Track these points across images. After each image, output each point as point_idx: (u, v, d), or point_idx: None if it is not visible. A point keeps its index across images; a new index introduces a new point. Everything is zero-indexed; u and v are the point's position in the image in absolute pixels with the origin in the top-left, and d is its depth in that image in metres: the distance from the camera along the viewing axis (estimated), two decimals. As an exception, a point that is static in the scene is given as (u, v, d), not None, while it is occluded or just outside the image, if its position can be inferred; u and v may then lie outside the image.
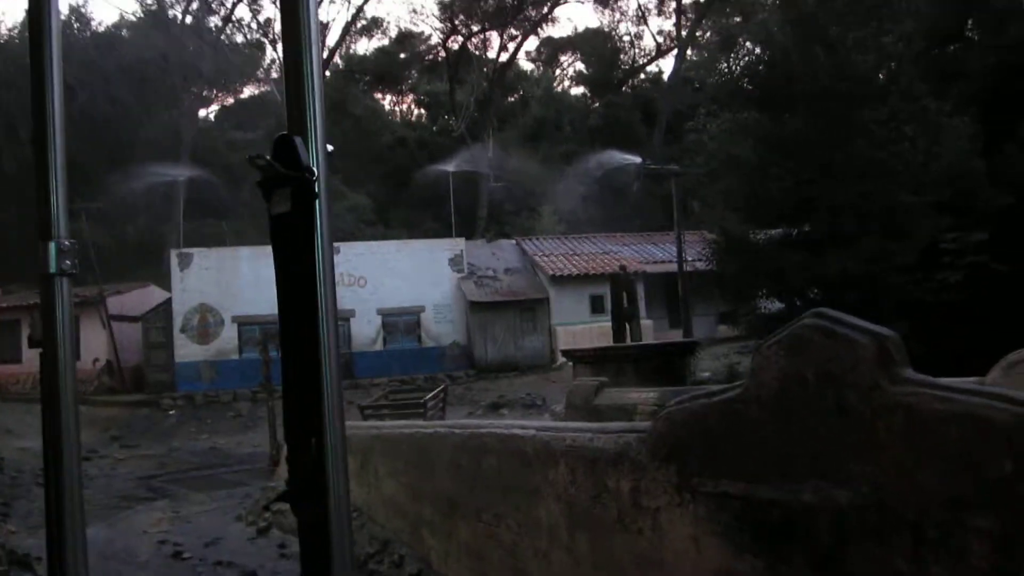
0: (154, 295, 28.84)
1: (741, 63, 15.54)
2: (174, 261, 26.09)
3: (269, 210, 1.12)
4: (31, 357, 25.58)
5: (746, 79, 14.95)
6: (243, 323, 25.73)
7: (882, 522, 3.27)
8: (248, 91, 46.18)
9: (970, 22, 15.51)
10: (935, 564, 3.09)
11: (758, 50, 15.09)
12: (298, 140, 1.10)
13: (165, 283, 27.66)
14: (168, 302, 26.36)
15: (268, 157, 1.10)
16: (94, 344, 25.63)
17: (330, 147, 1.15)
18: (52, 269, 1.47)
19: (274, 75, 43.38)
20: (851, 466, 3.38)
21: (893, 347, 3.34)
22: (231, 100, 46.43)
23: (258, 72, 44.84)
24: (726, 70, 16.05)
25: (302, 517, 1.11)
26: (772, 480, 3.70)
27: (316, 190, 1.10)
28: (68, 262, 1.49)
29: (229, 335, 25.97)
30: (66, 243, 1.49)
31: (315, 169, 1.10)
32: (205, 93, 43.28)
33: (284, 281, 1.12)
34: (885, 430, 3.26)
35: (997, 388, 3.63)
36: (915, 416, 3.17)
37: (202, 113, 44.57)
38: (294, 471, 1.11)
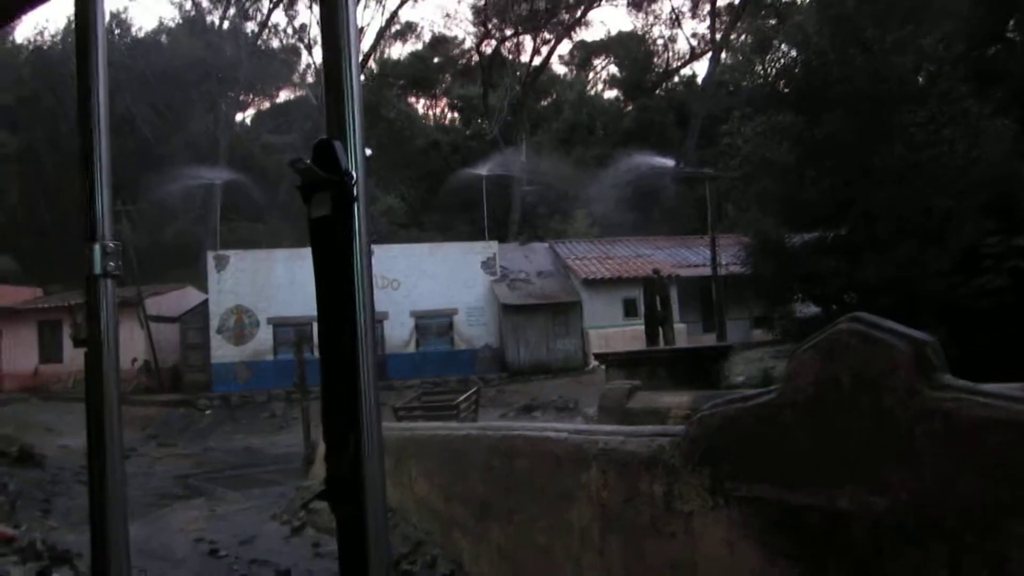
0: (191, 296, 29.31)
1: (776, 65, 15.41)
2: (211, 263, 26.47)
3: (309, 213, 1.13)
4: (73, 356, 26.15)
5: (782, 81, 14.83)
6: (278, 324, 26.04)
7: (920, 529, 3.22)
8: (284, 95, 46.78)
9: (1011, 23, 15.23)
10: (974, 572, 3.04)
11: (794, 52, 14.94)
12: (337, 144, 1.12)
13: (202, 285, 28.10)
14: (205, 303, 26.77)
15: (308, 161, 1.12)
16: (132, 344, 26.10)
17: (368, 151, 1.16)
18: (97, 270, 1.50)
19: (309, 80, 43.89)
20: (888, 472, 3.34)
21: (932, 352, 3.30)
22: (267, 104, 47.03)
23: (293, 77, 45.41)
24: (761, 72, 15.92)
25: (340, 515, 1.13)
26: (807, 486, 3.67)
27: (355, 194, 1.11)
28: (112, 263, 1.52)
29: (264, 336, 26.29)
30: (110, 245, 1.52)
31: (354, 173, 1.12)
32: (242, 98, 43.90)
33: (323, 283, 1.13)
34: (923, 436, 3.21)
35: (1039, 394, 3.57)
36: (954, 422, 3.12)
37: (238, 117, 45.22)
38: (332, 469, 1.13)
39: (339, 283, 1.12)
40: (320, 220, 1.12)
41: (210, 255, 26.95)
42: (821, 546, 3.63)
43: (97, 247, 1.50)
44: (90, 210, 1.52)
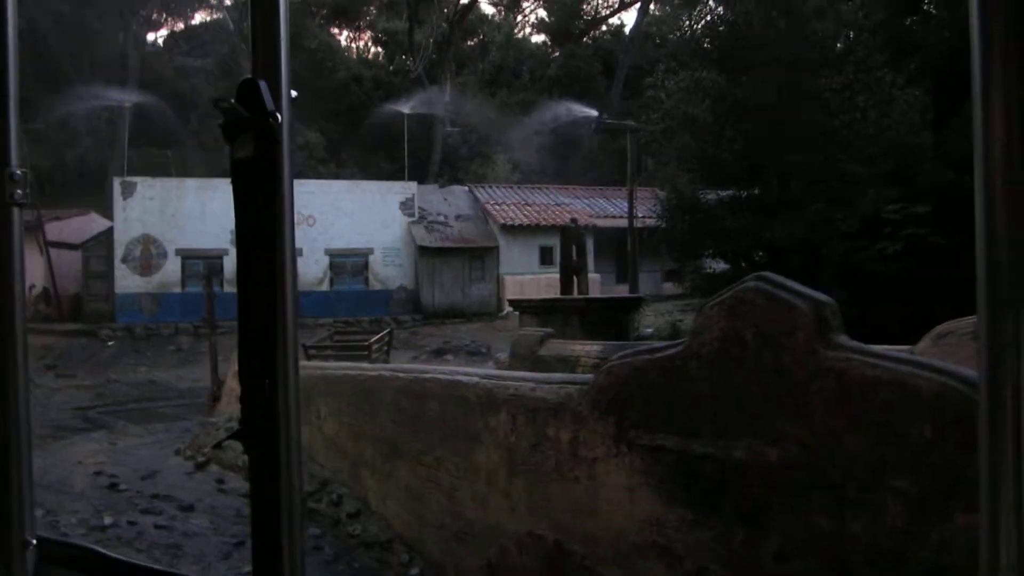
0: (95, 223, 28.08)
1: (703, 22, 15.54)
2: (117, 189, 25.37)
3: (231, 154, 1.11)
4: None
5: (707, 39, 14.97)
6: (187, 256, 25.27)
7: (808, 480, 3.41)
8: (200, 17, 44.62)
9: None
10: (854, 521, 3.24)
11: (720, 10, 15.09)
12: (263, 84, 1.09)
13: (107, 212, 26.94)
14: (110, 231, 25.72)
15: (232, 100, 1.09)
16: (31, 271, 24.90)
17: (294, 93, 1.14)
18: (3, 198, 1.42)
19: (227, 1, 41.95)
20: (783, 426, 3.50)
21: (830, 313, 3.45)
22: (181, 25, 44.82)
23: (210, -2, 43.30)
24: (688, 27, 16.03)
25: (253, 457, 1.13)
26: (707, 436, 3.82)
27: (279, 136, 1.09)
28: (20, 191, 1.43)
29: (172, 268, 25.50)
30: (18, 172, 1.43)
31: (279, 115, 1.09)
32: (154, 16, 41.69)
33: (243, 226, 1.11)
34: (817, 393, 3.38)
35: (924, 358, 3.78)
36: (846, 381, 3.29)
37: (150, 37, 43.00)
38: (247, 412, 1.12)
39: (260, 227, 1.10)
40: (242, 161, 1.10)
41: (116, 181, 25.79)
42: (715, 494, 3.80)
43: (5, 173, 1.42)
44: None
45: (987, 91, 0.83)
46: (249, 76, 1.10)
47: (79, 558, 1.50)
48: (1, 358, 1.43)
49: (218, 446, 9.73)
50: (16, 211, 1.44)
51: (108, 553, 1.50)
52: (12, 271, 1.44)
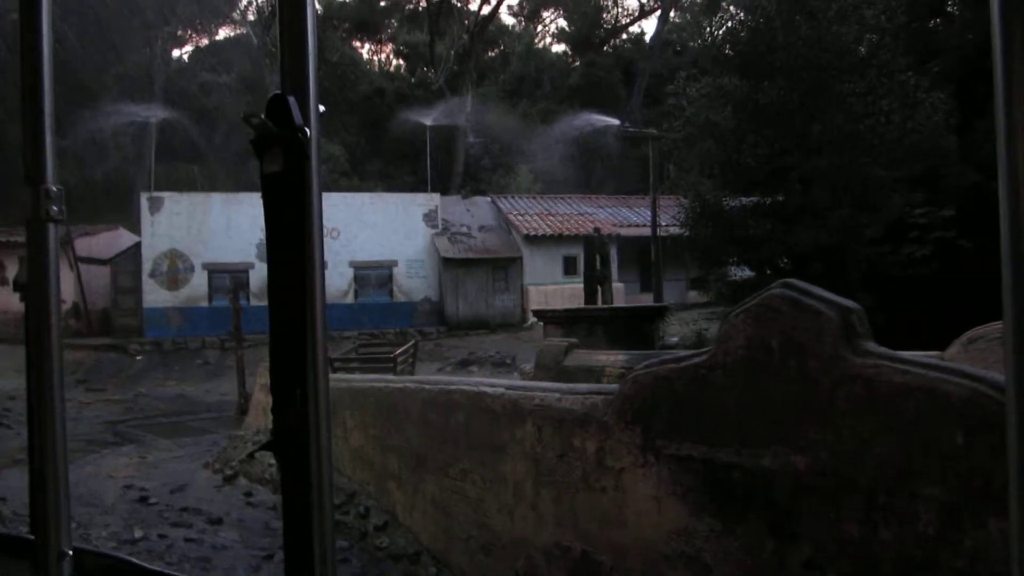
0: (123, 238, 28.48)
1: (724, 28, 15.49)
2: (144, 204, 25.72)
3: (261, 169, 1.13)
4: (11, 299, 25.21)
5: (728, 45, 14.92)
6: (213, 270, 25.54)
7: (837, 488, 3.37)
8: (224, 33, 45.20)
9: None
10: (884, 529, 3.20)
11: (741, 15, 15.03)
12: (291, 100, 1.11)
13: (135, 227, 27.30)
14: (137, 246, 26.06)
15: (262, 115, 1.12)
16: (61, 286, 25.28)
17: (322, 107, 1.16)
18: (39, 214, 1.45)
19: (250, 17, 42.45)
20: (811, 433, 3.47)
21: (857, 319, 3.43)
22: (205, 41, 45.42)
23: (234, 14, 43.85)
24: (708, 34, 15.99)
25: (285, 467, 1.15)
26: (734, 444, 3.80)
27: (308, 151, 1.12)
28: (55, 208, 1.47)
29: (199, 282, 25.77)
30: (54, 188, 1.47)
31: (308, 130, 1.12)
32: (179, 33, 42.28)
33: (274, 239, 1.14)
34: (845, 399, 3.35)
35: (954, 363, 3.74)
36: (874, 387, 3.26)
37: (175, 54, 43.61)
38: (278, 422, 1.14)
39: (290, 240, 1.12)
40: (272, 175, 1.13)
41: (143, 196, 26.15)
42: (743, 502, 3.77)
43: (40, 190, 1.45)
44: (33, 151, 1.47)
45: (1010, 93, 0.83)
46: (278, 92, 1.13)
47: (115, 569, 1.52)
48: (38, 373, 1.46)
49: (251, 456, 9.82)
50: (52, 227, 1.48)
51: (143, 564, 1.52)
52: (49, 286, 1.48)
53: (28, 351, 1.47)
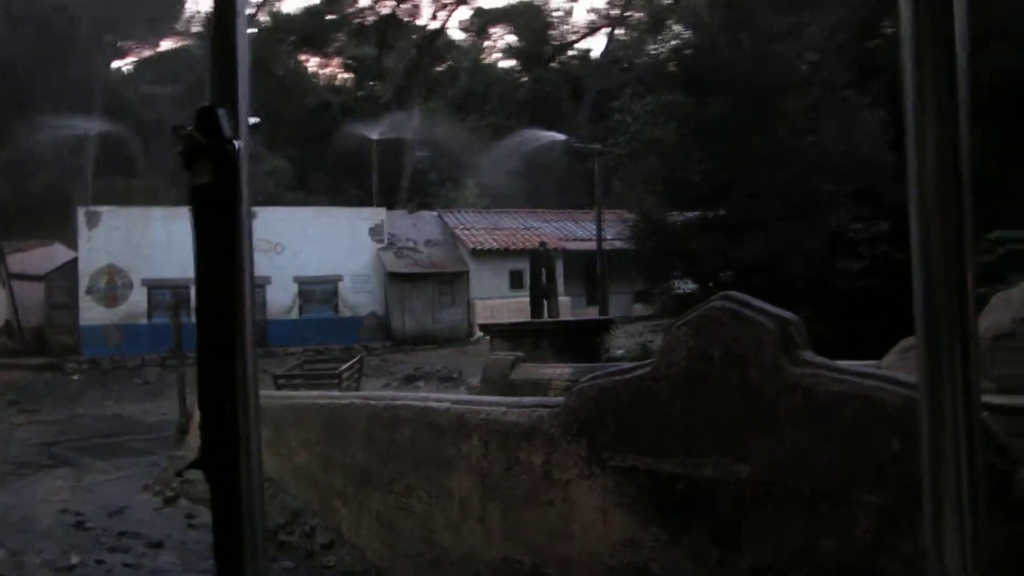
0: (59, 254, 27.67)
1: (669, 45, 15.76)
2: (81, 219, 25.05)
3: (191, 181, 1.12)
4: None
5: (673, 62, 15.18)
6: (153, 287, 24.97)
7: (779, 496, 3.42)
8: (166, 44, 44.39)
9: (886, 19, 16.04)
10: (825, 536, 3.25)
11: (686, 33, 15.31)
12: (221, 112, 1.11)
13: (71, 242, 26.56)
14: (74, 262, 25.34)
15: (190, 128, 1.10)
16: (-7, 303, 24.54)
17: (254, 119, 1.16)
18: None
19: (194, 29, 41.83)
20: (752, 443, 3.52)
21: (795, 330, 3.49)
22: (148, 53, 44.55)
23: (177, 25, 43.14)
24: (654, 51, 16.25)
25: (215, 484, 1.13)
26: (678, 455, 3.83)
27: (237, 163, 1.11)
28: None
29: (138, 298, 25.17)
30: None
31: (237, 142, 1.11)
32: (120, 44, 41.42)
33: (202, 251, 1.13)
34: (785, 409, 3.40)
35: (889, 372, 3.83)
36: (813, 396, 3.32)
37: (117, 65, 42.69)
38: (207, 438, 1.13)
39: (219, 252, 1.12)
40: (201, 187, 1.11)
41: (81, 211, 25.46)
42: (688, 512, 3.81)
43: None
44: None
45: (920, 105, 0.86)
46: (207, 103, 1.12)
47: None
48: None
49: (179, 475, 9.59)
50: None
51: None
52: None
53: None
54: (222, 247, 1.11)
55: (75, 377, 22.96)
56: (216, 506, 1.13)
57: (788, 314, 3.58)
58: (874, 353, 6.03)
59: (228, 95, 1.13)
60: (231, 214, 1.11)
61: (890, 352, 5.70)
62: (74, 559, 7.17)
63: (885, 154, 12.87)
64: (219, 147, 1.09)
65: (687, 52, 14.76)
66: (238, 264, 1.11)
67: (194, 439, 12.02)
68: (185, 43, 42.53)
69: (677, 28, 16.33)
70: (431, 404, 5.81)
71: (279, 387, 13.86)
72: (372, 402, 6.75)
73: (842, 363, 3.53)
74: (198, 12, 41.35)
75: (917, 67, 0.85)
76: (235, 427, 1.10)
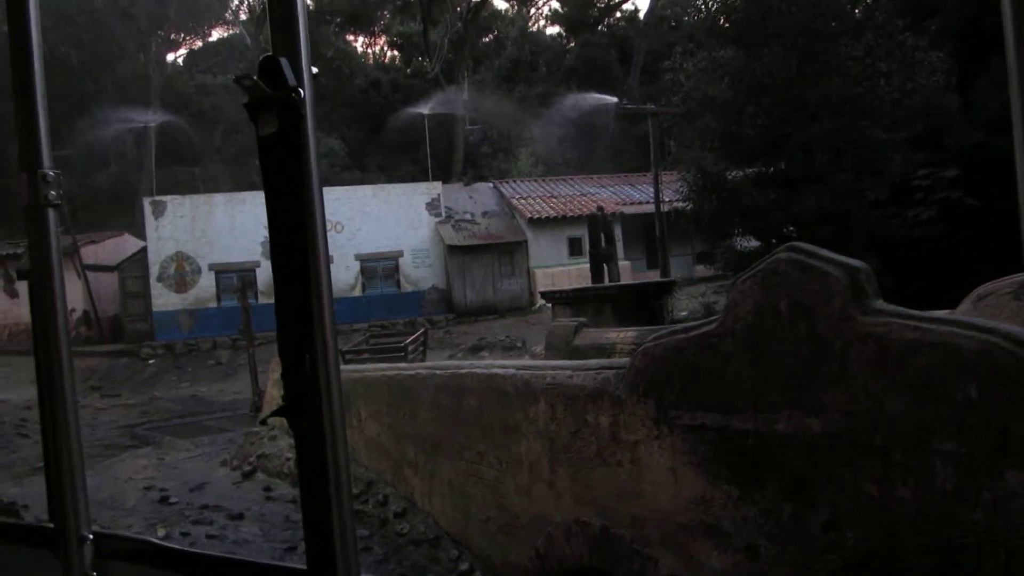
0: (129, 244, 28.54)
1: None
2: (147, 209, 25.76)
3: (256, 131, 1.13)
4: (6, 309, 25.38)
5: (722, 16, 14.81)
6: (220, 271, 25.60)
7: (852, 448, 3.37)
8: (217, 34, 45.08)
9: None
10: (902, 487, 3.20)
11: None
12: (283, 61, 1.11)
13: (139, 232, 27.36)
14: (143, 251, 26.12)
15: (255, 77, 1.11)
16: (70, 295, 25.07)
17: (314, 69, 1.15)
18: (37, 200, 1.44)
19: (243, 17, 42.36)
20: (823, 395, 3.47)
21: (864, 278, 3.41)
22: (199, 43, 45.32)
23: (226, 14, 43.74)
24: (702, 7, 15.87)
25: (298, 431, 1.14)
26: (747, 411, 3.80)
27: (303, 111, 1.11)
28: (54, 193, 1.46)
29: (206, 283, 25.83)
30: (51, 173, 1.46)
31: (301, 90, 1.11)
32: (173, 37, 42.20)
33: (273, 200, 1.13)
34: (856, 360, 3.34)
35: (964, 317, 3.72)
36: (885, 345, 3.25)
37: (170, 57, 43.53)
38: (289, 386, 1.14)
39: (289, 199, 1.12)
40: (268, 137, 1.12)
41: (146, 201, 26.19)
42: (760, 469, 3.77)
43: (37, 175, 1.44)
44: (28, 138, 1.46)
45: (1021, 45, 0.81)
46: (269, 53, 1.12)
47: (135, 550, 1.53)
48: (46, 359, 1.46)
49: (263, 423, 9.85)
50: (51, 212, 1.47)
51: (165, 543, 1.53)
52: (52, 271, 1.47)
53: (35, 336, 1.47)
54: (292, 194, 1.11)
55: (151, 362, 23.76)
56: (300, 453, 1.15)
57: (856, 262, 3.49)
58: (946, 303, 5.86)
59: (288, 45, 1.13)
60: (298, 162, 1.11)
61: (964, 301, 5.52)
62: (160, 532, 7.47)
63: (948, 97, 12.41)
64: (283, 96, 1.10)
65: (736, 5, 14.38)
66: (308, 211, 1.11)
67: (266, 412, 12.35)
68: (234, 31, 43.12)
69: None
70: (496, 371, 5.86)
71: (347, 362, 14.12)
72: (438, 372, 6.83)
73: (914, 311, 3.44)
74: (244, 1, 41.86)
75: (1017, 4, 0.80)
76: (316, 375, 1.10)
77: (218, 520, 8.04)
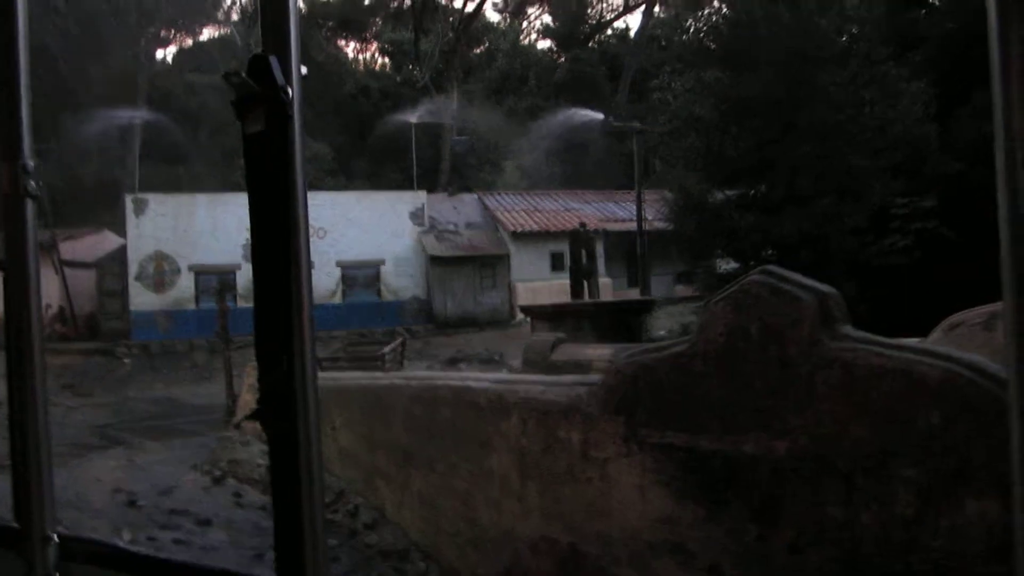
0: (108, 241, 28.28)
1: (707, 21, 15.53)
2: (129, 206, 25.53)
3: (243, 129, 1.12)
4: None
5: (711, 38, 14.96)
6: (200, 272, 25.41)
7: (817, 471, 3.41)
8: (207, 33, 44.94)
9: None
10: (865, 511, 3.23)
11: (724, 8, 15.08)
12: (273, 59, 1.10)
13: (120, 229, 27.12)
14: (123, 249, 25.88)
15: (243, 74, 1.10)
16: (47, 290, 25.10)
17: (304, 69, 1.14)
18: (17, 190, 1.42)
19: (234, 17, 42.26)
20: (790, 418, 3.51)
21: (834, 304, 3.46)
22: (189, 42, 45.17)
23: (217, 14, 43.63)
24: (692, 28, 16.03)
25: (272, 432, 1.13)
26: (715, 431, 3.83)
27: (290, 111, 1.10)
28: (33, 183, 1.44)
29: (186, 284, 25.63)
30: (30, 163, 1.44)
31: (290, 89, 1.10)
32: (163, 34, 42.03)
33: (257, 199, 1.12)
34: (823, 383, 3.38)
35: (930, 346, 3.78)
36: (852, 370, 3.29)
37: (159, 54, 43.34)
38: (265, 387, 1.12)
39: (274, 199, 1.10)
40: (254, 135, 1.11)
41: (128, 198, 25.94)
42: (726, 489, 3.80)
43: (17, 165, 1.42)
44: (9, 128, 1.45)
45: (1007, 75, 0.81)
46: (259, 52, 1.11)
47: (100, 553, 1.51)
48: (17, 352, 1.44)
49: (237, 426, 9.76)
50: (29, 203, 1.45)
51: (129, 548, 1.51)
52: (28, 262, 1.46)
53: (7, 330, 1.44)
54: (277, 193, 1.10)
55: (126, 361, 23.51)
56: (273, 455, 1.14)
57: (827, 288, 3.54)
58: (919, 331, 5.93)
59: (278, 43, 1.12)
60: (284, 162, 1.10)
61: (935, 329, 5.59)
62: (126, 536, 7.37)
63: (927, 127, 12.59)
64: (272, 94, 1.08)
65: (724, 27, 14.52)
66: (292, 213, 1.10)
67: (239, 414, 12.26)
68: (225, 31, 43.04)
69: (715, 3, 16.09)
70: (470, 383, 5.87)
71: (323, 369, 14.05)
72: (412, 382, 6.83)
73: (881, 338, 3.48)
74: (237, 1, 41.80)
75: (1003, 32, 0.80)
76: (291, 378, 1.09)
77: (186, 525, 7.94)
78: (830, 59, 13.16)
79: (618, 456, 4.40)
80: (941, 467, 3.02)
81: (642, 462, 4.26)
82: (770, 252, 13.70)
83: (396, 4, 47.15)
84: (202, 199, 26.11)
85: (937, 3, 15.36)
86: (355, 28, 48.41)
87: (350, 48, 50.17)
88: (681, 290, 25.73)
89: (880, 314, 9.24)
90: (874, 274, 11.94)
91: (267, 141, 1.10)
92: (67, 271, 25.88)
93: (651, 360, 4.24)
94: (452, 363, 19.68)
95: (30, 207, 1.45)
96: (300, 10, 1.18)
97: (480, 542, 5.70)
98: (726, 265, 15.18)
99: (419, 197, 28.38)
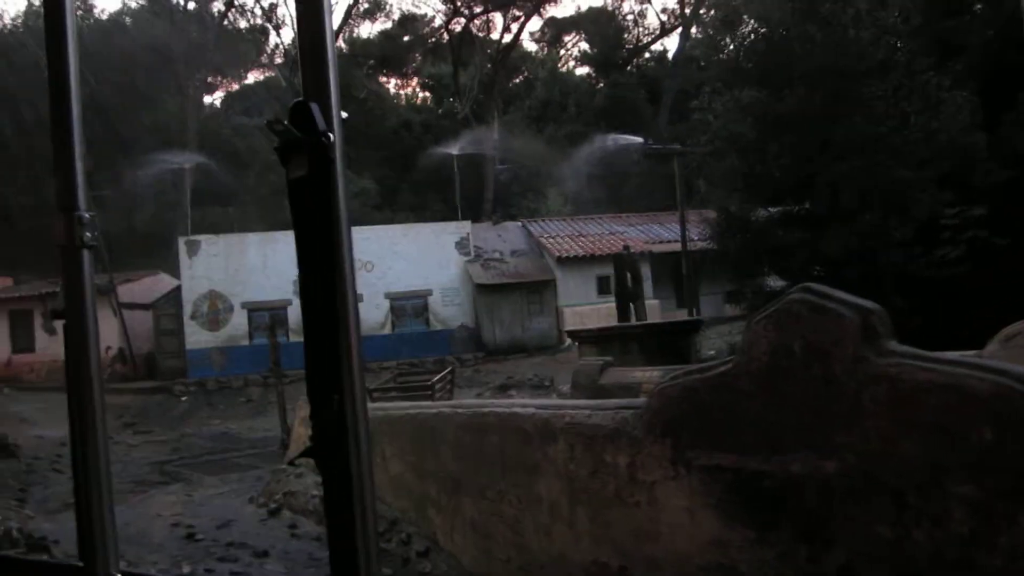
0: (164, 282, 29.06)
1: (742, 41, 15.50)
2: (182, 248, 26.24)
3: (287, 174, 1.16)
4: (44, 346, 25.90)
5: (745, 58, 14.93)
6: (252, 309, 25.93)
7: (867, 490, 3.36)
8: (253, 76, 46.19)
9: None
10: (917, 529, 3.18)
11: (758, 28, 15.04)
12: (314, 106, 1.14)
13: (174, 271, 27.85)
14: (178, 289, 26.56)
15: (285, 122, 1.14)
16: (106, 332, 25.84)
17: (344, 114, 1.19)
18: (73, 241, 1.47)
19: (278, 60, 43.36)
20: (837, 436, 3.47)
21: (878, 320, 3.42)
22: (236, 86, 46.45)
23: (262, 57, 44.84)
24: (727, 48, 16.01)
25: (325, 471, 1.15)
26: (762, 452, 3.79)
27: (332, 155, 1.14)
28: (89, 234, 1.48)
29: (239, 321, 26.16)
30: (86, 215, 1.48)
31: (331, 134, 1.14)
32: (210, 80, 43.31)
33: (303, 243, 1.15)
34: (870, 400, 3.34)
35: (980, 359, 3.71)
36: (899, 386, 3.25)
37: (207, 100, 44.64)
38: (317, 426, 1.15)
39: (318, 241, 1.14)
40: (298, 181, 1.15)
41: (181, 240, 26.68)
42: (775, 510, 3.76)
43: (73, 216, 1.47)
44: (64, 179, 1.49)
45: None
46: (300, 99, 1.16)
47: None
48: (78, 397, 1.49)
49: (292, 463, 9.88)
50: (86, 253, 1.50)
51: None
52: (86, 311, 1.50)
53: (68, 374, 1.50)
54: (321, 236, 1.13)
55: (183, 399, 24.02)
56: (327, 492, 1.16)
57: (870, 304, 3.50)
58: (975, 343, 5.80)
59: (319, 90, 1.16)
60: (327, 205, 1.13)
61: (992, 341, 5.47)
62: (185, 569, 7.51)
63: (974, 135, 12.35)
64: (314, 140, 1.12)
65: (759, 46, 14.46)
66: (337, 253, 1.13)
67: (295, 452, 12.42)
68: (270, 74, 44.16)
69: (751, 24, 16.04)
70: (517, 410, 5.89)
71: (374, 400, 14.18)
72: (460, 410, 6.87)
73: (929, 352, 3.43)
74: (280, 43, 42.91)
75: None
76: (343, 416, 1.12)
77: (243, 557, 8.07)
78: (868, 72, 13.02)
79: (665, 479, 4.38)
80: (996, 483, 2.96)
81: (690, 484, 4.23)
82: (817, 269, 13.52)
83: (434, 39, 47.89)
84: (252, 238, 26.72)
85: (977, 10, 15.11)
86: (395, 65, 49.28)
87: (391, 84, 51.09)
88: (731, 309, 25.44)
89: (935, 327, 9.06)
90: (926, 287, 11.70)
91: (310, 184, 1.14)
92: (125, 313, 26.62)
93: (695, 381, 4.23)
94: (502, 390, 19.71)
95: (86, 257, 1.50)
96: (340, 55, 1.22)
97: (531, 568, 5.69)
98: (774, 283, 15.02)
99: (464, 227, 28.64)
